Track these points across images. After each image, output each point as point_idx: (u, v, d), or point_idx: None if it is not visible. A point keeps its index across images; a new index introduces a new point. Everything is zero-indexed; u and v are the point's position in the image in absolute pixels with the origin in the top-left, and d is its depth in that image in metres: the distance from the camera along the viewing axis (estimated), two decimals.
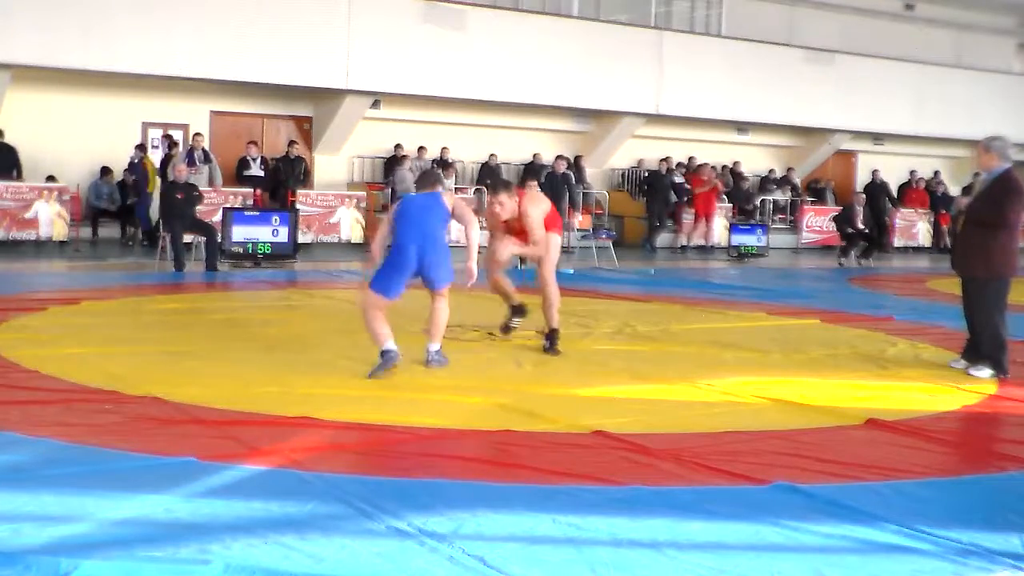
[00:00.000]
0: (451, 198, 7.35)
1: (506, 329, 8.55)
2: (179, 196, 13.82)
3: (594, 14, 21.96)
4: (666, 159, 21.40)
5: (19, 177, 16.27)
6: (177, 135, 18.49)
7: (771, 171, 24.29)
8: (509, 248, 8.22)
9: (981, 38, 26.97)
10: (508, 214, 7.99)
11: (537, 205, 8.10)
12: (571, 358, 7.81)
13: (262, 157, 18.12)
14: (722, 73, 21.92)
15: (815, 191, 24.60)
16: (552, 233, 8.19)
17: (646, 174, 21.79)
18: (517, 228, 8.14)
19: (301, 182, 18.23)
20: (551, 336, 8.10)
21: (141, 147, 17.36)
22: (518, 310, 8.57)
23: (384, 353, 6.76)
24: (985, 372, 7.47)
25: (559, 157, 18.92)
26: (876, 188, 22.62)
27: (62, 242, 16.02)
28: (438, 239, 7.09)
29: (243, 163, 17.82)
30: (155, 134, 18.53)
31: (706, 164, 21.97)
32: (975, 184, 7.75)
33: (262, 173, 17.88)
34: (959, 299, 7.94)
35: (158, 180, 16.48)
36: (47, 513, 3.87)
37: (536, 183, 16.68)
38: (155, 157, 17.64)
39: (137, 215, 17.16)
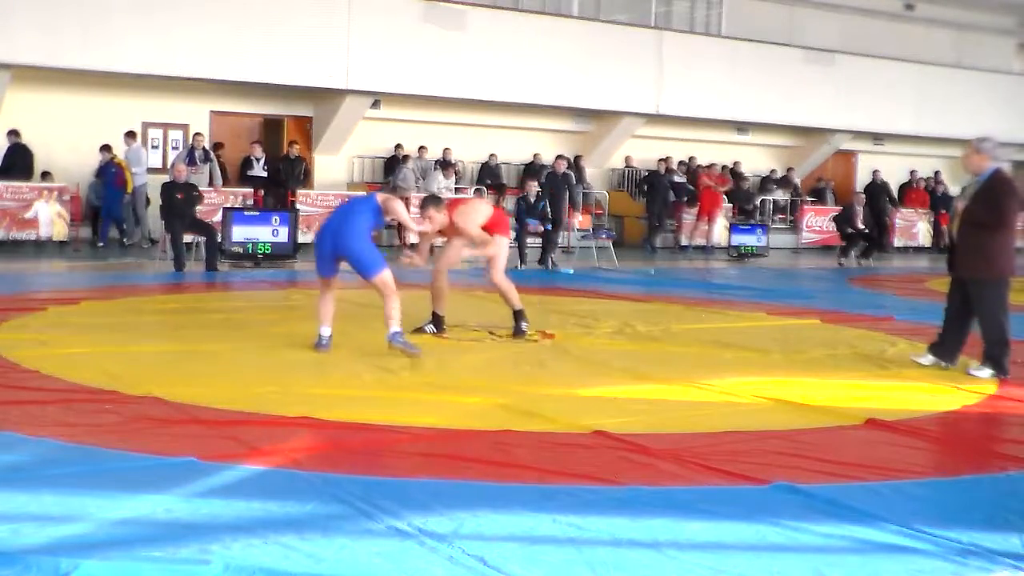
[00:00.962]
0: (384, 197, 7.87)
1: (418, 330, 8.45)
2: (179, 196, 13.82)
3: (594, 14, 21.97)
4: (666, 159, 21.39)
5: (30, 178, 16.30)
6: (176, 135, 18.52)
7: (772, 171, 24.29)
8: (459, 252, 8.68)
9: (981, 38, 26.97)
10: (438, 226, 8.37)
11: (468, 215, 8.43)
12: (571, 358, 7.81)
13: (266, 157, 18.13)
14: (722, 73, 21.92)
15: (816, 191, 24.61)
16: (498, 236, 8.54)
17: (646, 173, 21.79)
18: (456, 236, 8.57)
19: (301, 182, 18.24)
20: (516, 317, 8.52)
21: (107, 148, 16.83)
22: (437, 320, 8.64)
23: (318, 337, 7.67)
24: (986, 372, 7.44)
25: (559, 157, 18.89)
26: (876, 188, 22.62)
27: (62, 242, 16.02)
28: (350, 224, 7.54)
29: (247, 163, 17.85)
30: (155, 134, 18.57)
31: (714, 164, 22.03)
32: (969, 186, 7.73)
33: (265, 173, 17.90)
34: None
35: (134, 179, 16.58)
36: (47, 513, 3.87)
37: (536, 182, 16.73)
38: (155, 156, 17.71)
39: (107, 215, 16.79)
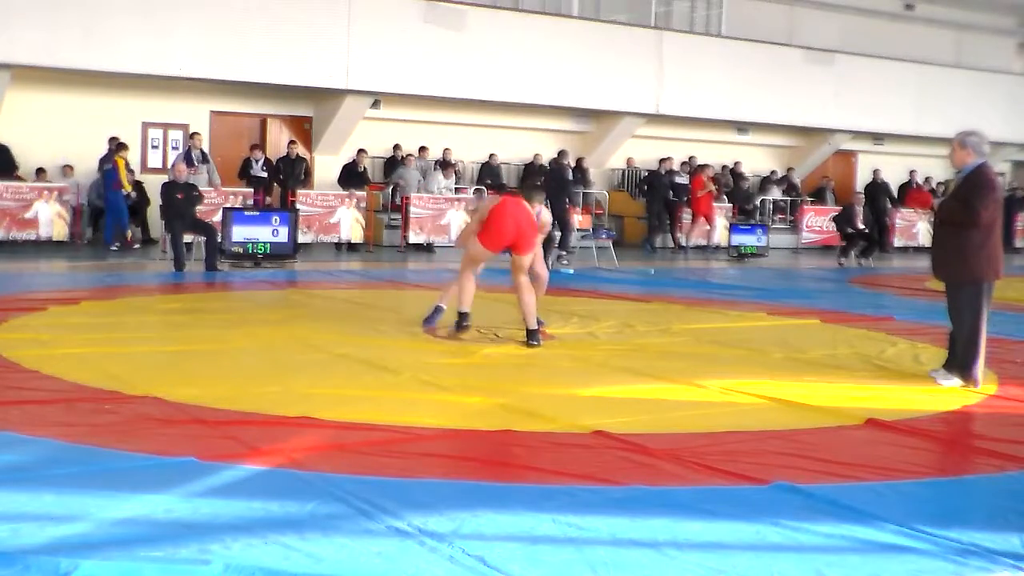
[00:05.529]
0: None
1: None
2: (179, 196, 13.82)
3: (594, 14, 21.96)
4: (667, 159, 21.39)
5: (14, 175, 16.14)
6: (176, 135, 18.51)
7: (772, 172, 24.28)
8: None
9: (981, 38, 26.95)
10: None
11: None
12: (571, 358, 7.81)
13: (265, 158, 18.11)
14: (722, 73, 21.91)
15: (816, 191, 24.59)
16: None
17: (646, 174, 21.79)
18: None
19: (301, 182, 18.24)
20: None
21: (115, 139, 16.24)
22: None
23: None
24: (955, 382, 7.08)
25: (560, 154, 18.81)
26: (876, 188, 22.61)
27: (62, 242, 16.01)
28: None
29: (247, 164, 17.85)
30: (155, 134, 18.55)
31: (708, 166, 22.00)
32: (952, 182, 7.32)
33: (265, 174, 17.89)
34: None
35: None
36: (47, 513, 3.87)
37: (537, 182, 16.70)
38: (155, 156, 17.65)
39: (111, 215, 16.19)
